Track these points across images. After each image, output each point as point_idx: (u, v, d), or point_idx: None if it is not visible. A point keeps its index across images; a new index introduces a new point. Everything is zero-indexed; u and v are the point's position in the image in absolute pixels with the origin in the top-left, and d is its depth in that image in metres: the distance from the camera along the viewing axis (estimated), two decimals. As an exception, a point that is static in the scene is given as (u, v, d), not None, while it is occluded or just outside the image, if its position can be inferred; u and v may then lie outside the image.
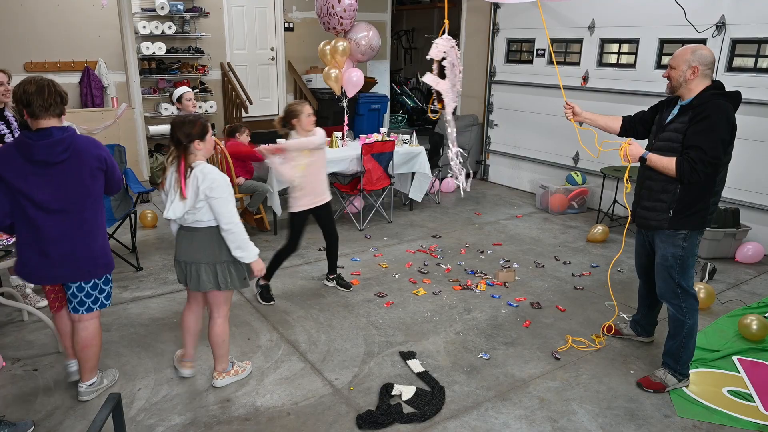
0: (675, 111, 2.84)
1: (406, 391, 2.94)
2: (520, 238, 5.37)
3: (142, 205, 6.10)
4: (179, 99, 4.88)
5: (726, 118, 2.64)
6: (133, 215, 4.50)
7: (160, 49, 7.20)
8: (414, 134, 6.00)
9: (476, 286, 4.23)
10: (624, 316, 3.67)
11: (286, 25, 8.34)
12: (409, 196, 6.01)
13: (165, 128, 7.50)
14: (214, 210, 2.71)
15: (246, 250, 2.79)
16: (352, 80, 5.70)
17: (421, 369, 3.17)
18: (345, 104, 6.15)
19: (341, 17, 5.53)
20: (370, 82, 8.63)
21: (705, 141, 2.62)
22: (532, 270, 4.62)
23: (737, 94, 2.75)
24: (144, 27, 7.04)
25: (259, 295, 4.01)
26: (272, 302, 3.99)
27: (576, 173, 6.24)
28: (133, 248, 4.69)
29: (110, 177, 2.72)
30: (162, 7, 7.01)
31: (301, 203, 3.83)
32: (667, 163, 2.72)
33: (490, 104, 7.35)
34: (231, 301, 3.04)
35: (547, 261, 4.80)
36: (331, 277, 4.25)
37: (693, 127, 2.65)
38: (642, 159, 2.80)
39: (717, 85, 2.74)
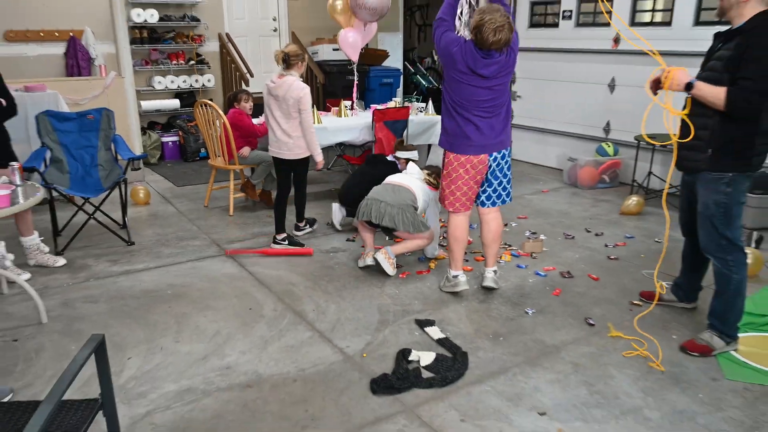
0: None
1: (425, 357, 2.89)
2: (547, 212, 5.31)
3: (133, 176, 6.10)
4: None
5: None
6: (122, 185, 4.49)
7: (152, 16, 7.21)
8: (430, 102, 5.96)
9: (500, 257, 4.18)
10: (663, 283, 3.60)
11: (290, -8, 8.35)
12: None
13: (159, 104, 7.53)
14: None
15: None
16: (347, 40, 5.67)
17: (441, 335, 3.12)
18: (355, 76, 6.11)
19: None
20: (381, 54, 8.59)
21: (754, 69, 2.55)
22: (561, 242, 4.56)
23: None
24: (134, -8, 7.07)
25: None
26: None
27: (607, 144, 6.16)
28: (123, 224, 4.69)
29: None
30: (154, -30, 7.04)
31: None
32: (716, 92, 2.62)
33: (513, 74, 7.24)
34: None
35: (577, 233, 4.74)
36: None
37: (744, 55, 2.58)
38: (689, 86, 2.70)
39: None
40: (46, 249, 4.18)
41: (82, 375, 2.12)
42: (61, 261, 4.14)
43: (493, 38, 3.07)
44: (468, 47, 3.19)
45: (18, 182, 3.36)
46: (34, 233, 4.09)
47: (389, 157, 4.82)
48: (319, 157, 4.31)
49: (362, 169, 4.91)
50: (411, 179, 4.01)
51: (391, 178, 4.06)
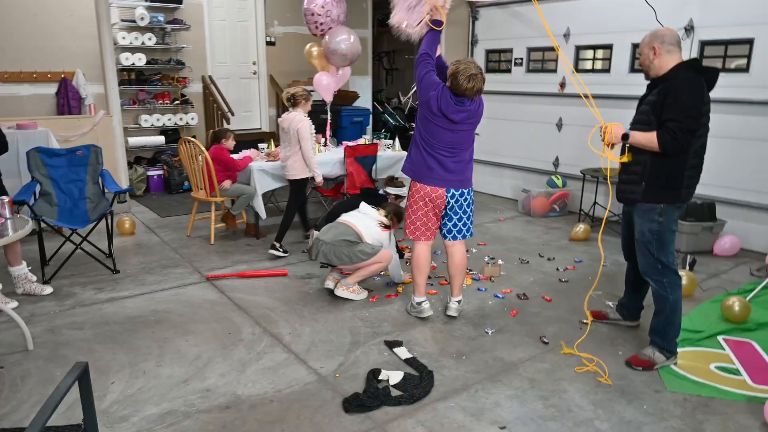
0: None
1: (393, 376, 2.85)
2: (504, 239, 5.34)
3: (119, 208, 5.95)
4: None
5: (690, 87, 2.67)
6: (109, 216, 4.37)
7: (140, 60, 7.12)
8: (397, 139, 6.00)
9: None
10: (609, 303, 3.64)
11: (268, 39, 8.36)
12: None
13: (145, 140, 7.41)
14: None
15: None
16: (322, 83, 5.73)
17: (409, 355, 3.08)
18: (329, 115, 6.15)
19: (319, 22, 5.52)
20: (352, 96, 8.64)
21: (676, 111, 2.65)
22: (517, 266, 4.58)
23: (712, 68, 2.79)
24: (123, 38, 6.98)
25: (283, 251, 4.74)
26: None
27: (556, 177, 6.27)
28: (109, 253, 4.55)
29: None
30: (142, 18, 6.96)
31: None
32: (649, 137, 2.73)
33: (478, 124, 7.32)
34: None
35: (531, 258, 4.78)
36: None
37: (666, 101, 2.69)
38: (625, 136, 2.80)
39: (689, 61, 2.79)
40: (34, 278, 4.03)
41: (66, 399, 2.03)
42: (48, 289, 3.98)
43: (467, 85, 3.13)
44: (444, 93, 3.21)
45: (7, 215, 3.24)
46: (23, 263, 3.94)
47: (381, 191, 4.98)
48: (319, 178, 4.77)
49: (352, 198, 4.99)
50: (359, 217, 3.96)
51: (342, 216, 4.03)
